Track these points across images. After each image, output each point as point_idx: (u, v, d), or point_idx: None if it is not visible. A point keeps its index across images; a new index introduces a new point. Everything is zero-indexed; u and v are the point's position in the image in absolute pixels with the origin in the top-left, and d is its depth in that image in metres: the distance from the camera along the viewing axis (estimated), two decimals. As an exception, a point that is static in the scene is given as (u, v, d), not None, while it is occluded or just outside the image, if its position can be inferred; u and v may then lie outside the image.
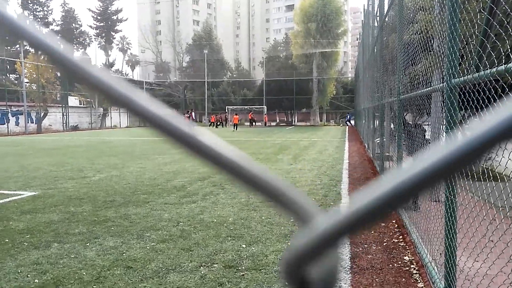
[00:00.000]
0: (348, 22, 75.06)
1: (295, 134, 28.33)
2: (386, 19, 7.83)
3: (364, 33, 16.72)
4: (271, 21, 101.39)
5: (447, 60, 3.00)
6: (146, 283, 3.52)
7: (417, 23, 5.19)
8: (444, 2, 3.17)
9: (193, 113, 28.49)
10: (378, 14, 9.63)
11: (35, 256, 4.19)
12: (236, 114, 38.22)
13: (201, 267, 3.86)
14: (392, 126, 7.90)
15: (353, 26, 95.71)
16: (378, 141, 9.62)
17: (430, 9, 4.52)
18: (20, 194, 7.29)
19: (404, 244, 4.49)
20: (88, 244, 4.56)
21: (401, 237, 4.74)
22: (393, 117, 6.63)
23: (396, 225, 5.21)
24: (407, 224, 4.89)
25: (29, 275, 3.71)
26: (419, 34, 4.76)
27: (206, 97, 52.31)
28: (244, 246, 4.47)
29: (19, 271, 3.81)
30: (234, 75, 63.00)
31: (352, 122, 43.94)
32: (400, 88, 5.70)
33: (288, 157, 13.35)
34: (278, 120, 54.01)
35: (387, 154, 8.20)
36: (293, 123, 51.21)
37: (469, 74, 2.66)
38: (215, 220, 5.53)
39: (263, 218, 5.60)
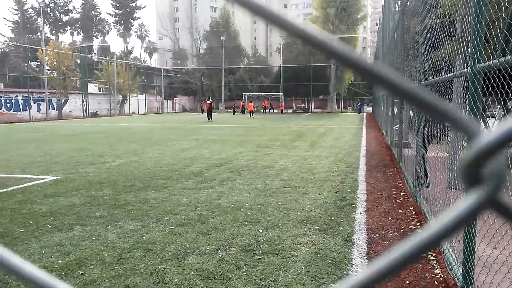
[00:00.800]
0: (368, 7, 73.38)
1: (311, 121, 28.16)
2: (408, 3, 7.63)
3: (385, 18, 16.34)
4: (289, 7, 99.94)
5: (472, 44, 2.91)
6: (166, 265, 3.60)
7: (440, 7, 5.04)
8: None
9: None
10: (399, -2, 9.39)
11: (58, 238, 4.33)
12: (251, 102, 38.30)
13: (219, 251, 3.92)
14: (411, 113, 7.76)
15: (373, 11, 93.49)
16: (397, 128, 9.49)
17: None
18: (43, 178, 7.50)
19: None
20: (109, 227, 4.68)
21: (418, 223, 4.70)
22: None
23: (414, 212, 5.17)
24: (425, 210, 4.85)
25: (52, 256, 3.84)
26: (442, 18, 4.63)
27: (223, 84, 52.34)
28: (261, 230, 4.51)
29: (43, 252, 3.95)
30: (251, 62, 62.65)
31: (369, 109, 43.24)
32: (422, 74, 5.58)
33: (305, 143, 13.30)
34: (294, 107, 53.70)
35: (405, 141, 8.08)
36: (310, 110, 50.85)
37: (495, 59, 2.58)
38: (232, 205, 5.59)
39: (279, 204, 5.63)
